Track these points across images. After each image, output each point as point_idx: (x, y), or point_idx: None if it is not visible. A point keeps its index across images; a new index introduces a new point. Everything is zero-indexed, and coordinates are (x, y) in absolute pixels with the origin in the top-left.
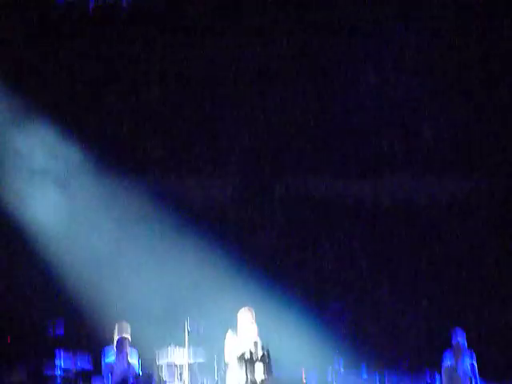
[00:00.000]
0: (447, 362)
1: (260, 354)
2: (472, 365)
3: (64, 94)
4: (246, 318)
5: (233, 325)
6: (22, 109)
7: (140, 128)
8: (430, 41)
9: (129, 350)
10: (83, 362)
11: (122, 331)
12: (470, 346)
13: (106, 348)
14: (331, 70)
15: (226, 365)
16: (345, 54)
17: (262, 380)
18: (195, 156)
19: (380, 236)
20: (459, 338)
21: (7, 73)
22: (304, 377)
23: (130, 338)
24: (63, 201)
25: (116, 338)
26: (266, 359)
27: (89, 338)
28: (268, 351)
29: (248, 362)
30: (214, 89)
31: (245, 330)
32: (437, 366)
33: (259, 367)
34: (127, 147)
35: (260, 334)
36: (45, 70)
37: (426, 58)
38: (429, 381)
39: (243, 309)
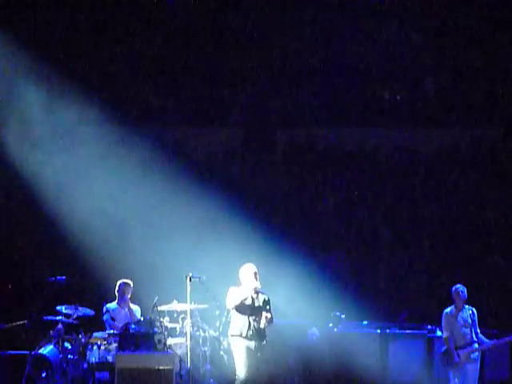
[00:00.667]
0: (447, 311)
1: (261, 301)
2: (472, 313)
3: (69, 46)
4: (249, 273)
5: (234, 281)
6: (24, 60)
7: (144, 79)
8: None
9: (130, 296)
10: (84, 309)
11: (125, 286)
12: (469, 297)
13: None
14: (336, 21)
15: (228, 312)
16: (349, 8)
17: (263, 326)
18: (199, 107)
19: (380, 185)
20: (459, 288)
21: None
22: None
23: (131, 286)
24: (67, 154)
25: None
26: (266, 306)
27: (92, 295)
28: (269, 299)
29: (250, 308)
30: (218, 38)
31: (247, 284)
32: (438, 319)
33: (260, 313)
34: (131, 98)
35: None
36: (49, 22)
37: (428, 15)
38: (430, 332)
39: (246, 265)
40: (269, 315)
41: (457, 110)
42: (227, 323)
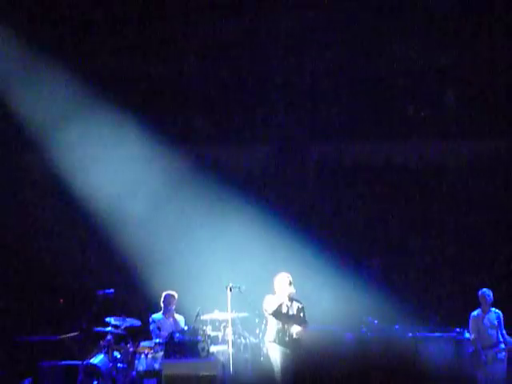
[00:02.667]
0: (474, 313)
1: (295, 309)
2: (498, 316)
3: (109, 65)
4: (283, 281)
5: (271, 289)
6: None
7: (185, 102)
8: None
9: (175, 307)
10: (132, 320)
11: (170, 298)
12: (495, 301)
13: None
14: (362, 39)
15: (265, 320)
16: (373, 26)
17: (297, 332)
18: (236, 126)
19: (411, 199)
20: (486, 292)
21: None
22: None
23: (176, 297)
24: (115, 172)
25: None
26: (300, 315)
27: (138, 306)
28: (303, 308)
29: (285, 315)
30: (251, 61)
31: (282, 292)
32: (465, 321)
33: (295, 320)
34: (172, 118)
35: (296, 295)
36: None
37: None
38: (458, 334)
39: (280, 274)
40: (299, 328)
41: (478, 122)
42: (263, 331)
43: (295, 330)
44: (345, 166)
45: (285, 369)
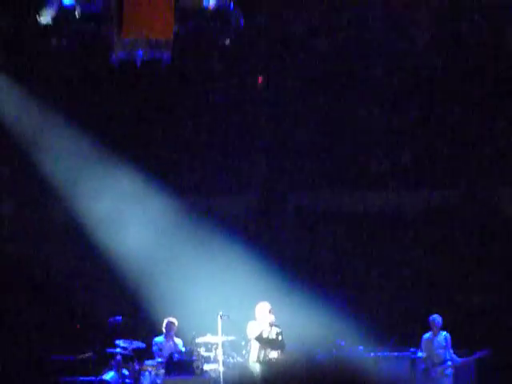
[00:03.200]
0: (426, 336)
1: (274, 334)
2: (446, 338)
3: (119, 132)
4: (264, 309)
5: (253, 316)
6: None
7: (179, 158)
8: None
9: (175, 331)
10: (138, 343)
11: (172, 325)
12: (443, 326)
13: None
14: (333, 108)
15: (248, 344)
16: (343, 95)
17: (276, 355)
18: (222, 178)
19: (374, 240)
20: (436, 317)
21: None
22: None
23: (176, 324)
24: (127, 219)
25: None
26: (278, 338)
27: (143, 330)
28: (281, 332)
29: (265, 340)
30: (239, 125)
31: (262, 318)
32: (418, 342)
33: (274, 345)
34: (171, 174)
35: (275, 320)
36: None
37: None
38: (412, 354)
39: (261, 303)
40: (277, 351)
41: (430, 175)
42: (249, 351)
43: (273, 353)
44: (317, 211)
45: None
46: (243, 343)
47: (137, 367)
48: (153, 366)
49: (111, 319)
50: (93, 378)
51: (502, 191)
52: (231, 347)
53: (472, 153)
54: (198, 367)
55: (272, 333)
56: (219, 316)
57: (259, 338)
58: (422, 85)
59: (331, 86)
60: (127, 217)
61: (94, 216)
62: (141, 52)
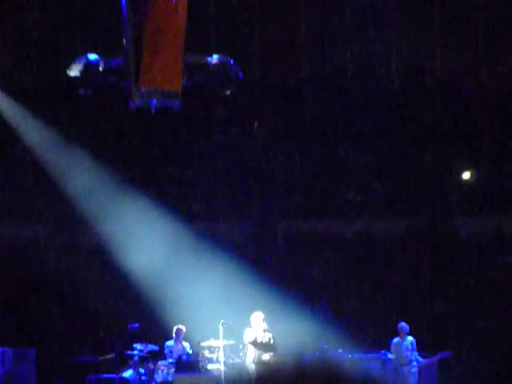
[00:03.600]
0: (395, 340)
1: (267, 339)
2: (412, 342)
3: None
4: (258, 318)
5: (249, 323)
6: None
7: (188, 191)
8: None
9: (183, 336)
10: (152, 346)
11: (180, 331)
12: (410, 332)
13: (168, 341)
14: (314, 148)
15: (245, 347)
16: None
17: (269, 356)
18: (224, 208)
19: (351, 260)
20: (403, 325)
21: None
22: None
23: (184, 330)
24: (145, 242)
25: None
26: (270, 342)
27: (156, 335)
28: (273, 337)
29: (259, 344)
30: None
31: (257, 326)
32: (388, 346)
33: (267, 348)
34: (181, 204)
35: (268, 327)
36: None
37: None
38: (383, 355)
39: (255, 312)
40: (268, 356)
41: (399, 203)
42: (245, 354)
43: (267, 355)
44: (302, 237)
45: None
46: (241, 347)
47: (151, 366)
48: (165, 365)
49: (130, 326)
50: (114, 375)
51: (458, 218)
52: (231, 350)
53: (433, 186)
54: (202, 367)
55: (265, 338)
56: (220, 324)
57: (254, 343)
58: (392, 127)
59: (316, 129)
60: (144, 239)
61: (116, 238)
62: (154, 101)
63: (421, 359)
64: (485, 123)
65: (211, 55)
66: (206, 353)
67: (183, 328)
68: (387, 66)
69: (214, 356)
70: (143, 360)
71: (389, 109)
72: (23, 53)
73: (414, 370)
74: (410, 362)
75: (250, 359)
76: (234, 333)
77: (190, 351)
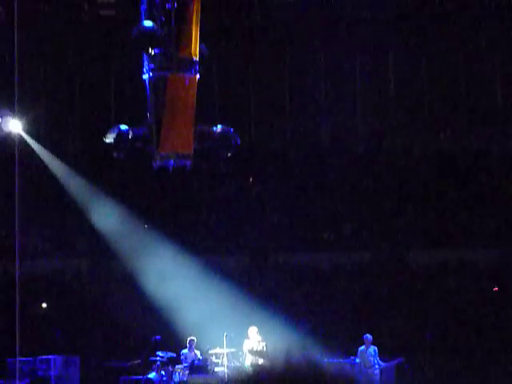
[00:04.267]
0: (361, 348)
1: (261, 347)
2: (375, 350)
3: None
4: (253, 331)
5: (247, 335)
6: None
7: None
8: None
9: (195, 345)
10: (171, 353)
11: (193, 342)
12: (373, 342)
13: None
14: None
15: (244, 354)
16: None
17: (263, 361)
18: (224, 246)
19: (326, 288)
20: (367, 336)
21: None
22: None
23: (195, 340)
24: (166, 272)
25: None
26: (264, 350)
27: (174, 345)
28: (266, 345)
29: (255, 352)
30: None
31: (253, 337)
32: (356, 353)
33: (261, 355)
34: (185, 244)
35: (261, 338)
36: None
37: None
38: (352, 360)
39: (251, 327)
40: (262, 360)
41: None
42: (244, 359)
43: (261, 360)
44: (287, 267)
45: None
46: (240, 353)
47: (170, 369)
48: (181, 368)
49: (153, 338)
50: (141, 377)
51: (412, 252)
52: (232, 356)
53: (389, 226)
54: (210, 369)
55: (259, 346)
56: (224, 336)
57: (251, 351)
58: (357, 181)
59: (298, 182)
60: (165, 270)
61: (142, 270)
62: (172, 161)
63: (381, 363)
64: (431, 180)
65: (216, 125)
66: (213, 358)
67: (195, 339)
68: (354, 132)
69: (219, 361)
70: (164, 364)
71: (355, 167)
72: (70, 124)
73: (377, 371)
74: (373, 365)
75: (248, 363)
76: (235, 343)
77: (201, 357)
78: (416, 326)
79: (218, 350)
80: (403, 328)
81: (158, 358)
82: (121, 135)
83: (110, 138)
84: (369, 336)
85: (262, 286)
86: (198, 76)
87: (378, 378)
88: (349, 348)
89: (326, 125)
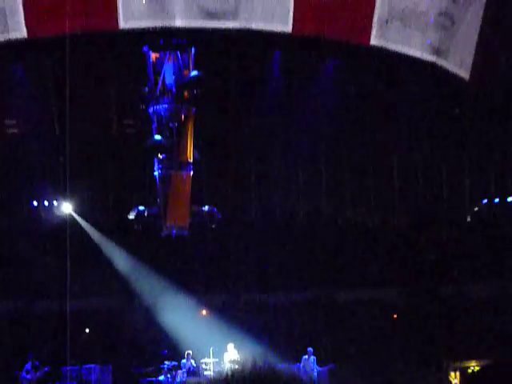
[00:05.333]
0: (304, 357)
1: (237, 358)
2: (314, 359)
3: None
4: (231, 346)
5: (226, 349)
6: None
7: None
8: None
9: (191, 356)
10: (174, 363)
11: (189, 354)
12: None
13: (182, 360)
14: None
15: (224, 362)
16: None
17: (238, 367)
18: (218, 284)
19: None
20: (309, 349)
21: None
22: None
23: (191, 353)
24: (169, 305)
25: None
26: (238, 359)
27: (177, 356)
28: (239, 356)
29: (232, 361)
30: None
31: (230, 351)
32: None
33: (236, 363)
34: (184, 287)
35: (236, 351)
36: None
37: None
38: (298, 365)
39: (229, 343)
40: (237, 367)
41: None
42: (225, 366)
43: (237, 367)
44: (256, 304)
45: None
46: (222, 362)
47: (174, 374)
48: (182, 373)
49: (161, 351)
50: (154, 379)
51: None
52: (216, 364)
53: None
54: (202, 373)
55: (235, 357)
56: (211, 350)
57: (229, 360)
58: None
59: (260, 243)
60: (172, 305)
61: (157, 306)
62: (174, 231)
63: (319, 368)
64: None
65: (204, 206)
66: (203, 366)
67: (191, 352)
68: (308, 210)
69: (208, 367)
70: (169, 370)
71: (307, 241)
72: (101, 202)
73: (315, 374)
74: (312, 370)
75: (227, 368)
76: (219, 355)
77: (195, 365)
78: (342, 344)
79: (206, 360)
80: (333, 345)
81: (165, 366)
82: (139, 213)
83: (132, 215)
84: (310, 349)
85: (235, 317)
86: (191, 173)
87: (316, 378)
88: (296, 357)
89: (281, 201)
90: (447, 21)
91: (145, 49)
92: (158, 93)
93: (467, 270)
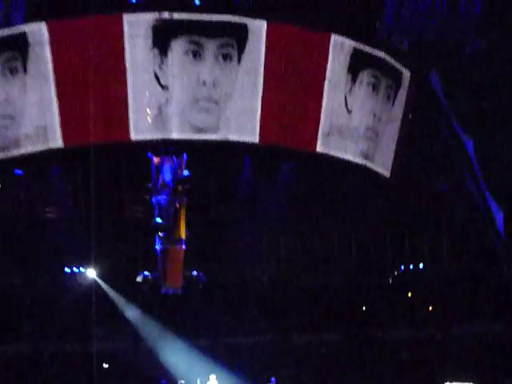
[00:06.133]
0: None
1: (216, 382)
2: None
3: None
4: (213, 376)
5: (209, 379)
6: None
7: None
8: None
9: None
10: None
11: (181, 382)
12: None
13: None
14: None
15: None
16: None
17: None
18: (203, 330)
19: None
20: (272, 378)
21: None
22: None
23: (184, 382)
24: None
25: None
26: (217, 382)
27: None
28: (217, 380)
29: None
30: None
31: (212, 381)
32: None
33: None
34: (193, 333)
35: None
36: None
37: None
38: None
39: (211, 374)
40: None
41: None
42: None
43: None
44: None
45: None
46: None
47: None
48: None
49: (162, 381)
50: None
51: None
52: None
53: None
54: None
55: (216, 382)
56: (198, 380)
57: None
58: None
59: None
60: (170, 346)
61: (160, 346)
62: (170, 290)
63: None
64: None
65: (192, 271)
66: None
67: (184, 382)
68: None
69: None
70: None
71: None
72: (117, 269)
73: None
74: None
75: None
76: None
77: None
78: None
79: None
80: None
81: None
82: (145, 277)
83: (139, 278)
84: (273, 378)
85: (216, 355)
86: (184, 247)
87: None
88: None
89: (251, 270)
90: (373, 134)
91: (149, 155)
92: (159, 187)
93: (389, 319)
